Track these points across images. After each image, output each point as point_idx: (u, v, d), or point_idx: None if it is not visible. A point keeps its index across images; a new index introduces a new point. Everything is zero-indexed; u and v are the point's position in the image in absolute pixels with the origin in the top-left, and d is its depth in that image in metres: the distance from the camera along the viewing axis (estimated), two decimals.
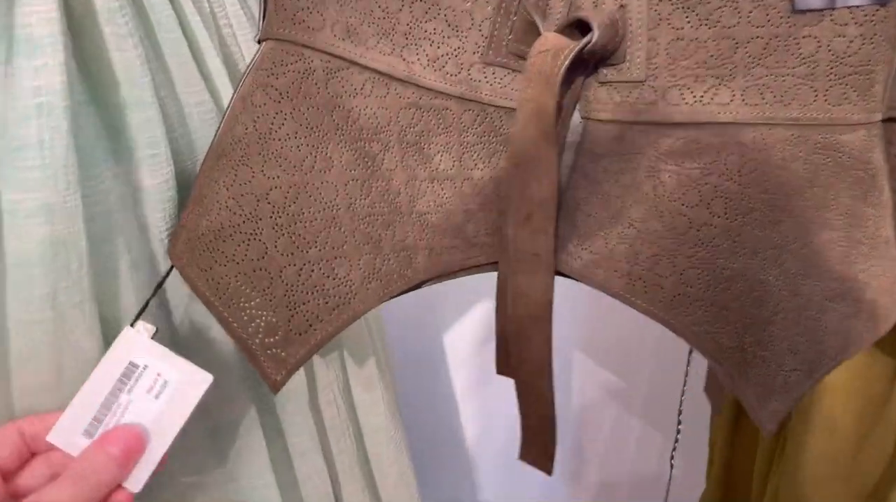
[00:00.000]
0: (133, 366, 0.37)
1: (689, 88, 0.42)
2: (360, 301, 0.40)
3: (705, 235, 0.42)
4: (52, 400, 0.37)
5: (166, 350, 0.37)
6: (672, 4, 0.41)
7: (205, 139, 0.43)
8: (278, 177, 0.39)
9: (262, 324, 0.38)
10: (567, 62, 0.38)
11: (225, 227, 0.38)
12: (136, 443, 0.36)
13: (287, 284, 0.38)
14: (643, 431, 0.97)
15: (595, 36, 0.39)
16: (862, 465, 0.55)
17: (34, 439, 0.36)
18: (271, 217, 0.39)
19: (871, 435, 0.55)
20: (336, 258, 0.39)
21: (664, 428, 0.81)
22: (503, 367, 0.50)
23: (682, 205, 0.43)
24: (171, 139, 0.42)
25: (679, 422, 0.68)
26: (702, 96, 0.42)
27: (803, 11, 0.40)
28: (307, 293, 0.38)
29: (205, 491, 0.46)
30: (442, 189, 0.45)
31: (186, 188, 0.43)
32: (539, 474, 0.48)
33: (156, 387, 0.37)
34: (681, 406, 0.68)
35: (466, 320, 0.92)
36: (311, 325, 0.39)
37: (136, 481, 0.35)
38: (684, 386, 0.68)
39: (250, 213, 0.39)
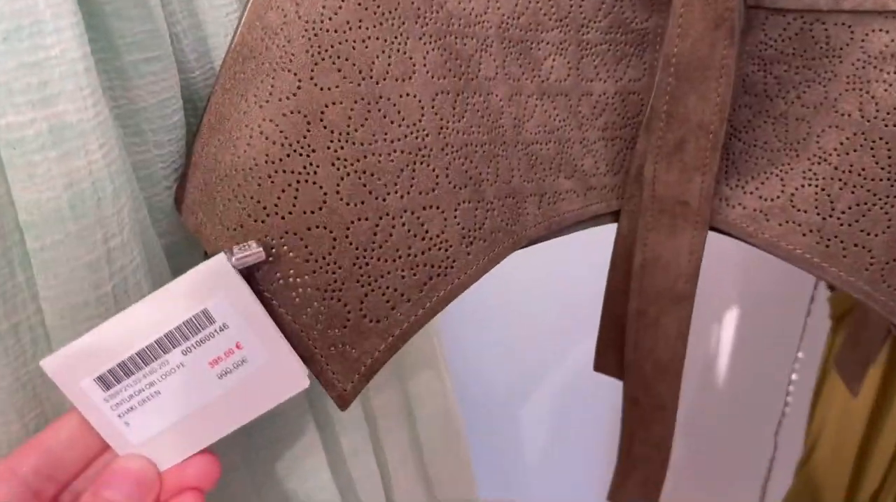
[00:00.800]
0: (207, 317, 0.24)
1: None
2: (461, 269, 0.27)
3: None
4: None
5: (265, 315, 0.25)
6: None
7: (222, 37, 0.30)
8: (338, 87, 0.26)
9: (323, 308, 0.25)
10: None
11: (260, 165, 0.26)
12: (147, 483, 0.24)
13: (357, 248, 0.26)
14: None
15: None
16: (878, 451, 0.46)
17: (37, 474, 0.24)
18: (330, 147, 0.26)
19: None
20: (425, 208, 0.26)
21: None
22: (606, 362, 0.39)
23: None
24: (172, 35, 0.29)
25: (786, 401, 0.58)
26: None
27: None
28: (387, 261, 0.26)
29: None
30: (554, 108, 0.32)
31: (195, 109, 0.30)
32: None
33: (226, 362, 0.25)
34: (789, 385, 0.58)
35: (537, 296, 0.77)
36: (393, 308, 0.26)
37: None
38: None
39: (298, 142, 0.26)
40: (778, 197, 0.32)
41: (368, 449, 0.41)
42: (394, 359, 0.28)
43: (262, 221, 0.25)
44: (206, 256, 0.26)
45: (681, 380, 0.36)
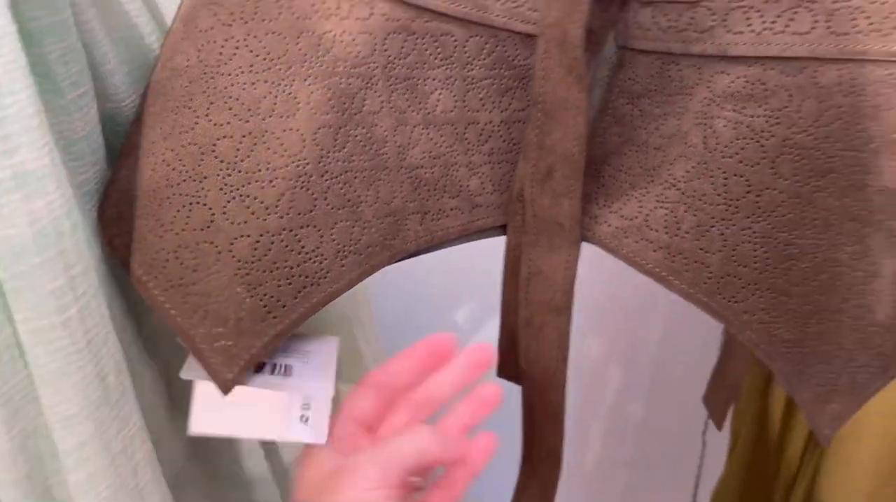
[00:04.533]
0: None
1: (757, 11, 0.33)
2: (333, 280, 0.32)
3: (766, 202, 0.34)
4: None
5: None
6: None
7: (142, 75, 0.34)
8: (228, 123, 0.31)
9: (209, 311, 0.30)
10: None
11: (161, 188, 0.31)
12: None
13: (239, 261, 0.30)
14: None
15: None
16: None
17: (383, 387, 0.35)
18: (219, 175, 0.30)
19: None
20: (302, 227, 0.31)
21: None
22: (507, 369, 0.43)
23: (740, 162, 0.34)
24: (99, 75, 0.34)
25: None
26: (773, 22, 0.32)
27: None
28: (265, 272, 0.31)
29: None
30: (440, 136, 0.36)
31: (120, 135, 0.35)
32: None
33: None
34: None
35: (464, 295, 0.82)
36: (269, 312, 0.31)
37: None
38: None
39: (193, 170, 0.30)
40: (636, 217, 0.36)
41: None
42: None
43: (160, 236, 0.30)
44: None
45: (565, 389, 0.39)
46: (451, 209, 0.37)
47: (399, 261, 0.35)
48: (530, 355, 0.39)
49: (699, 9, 0.33)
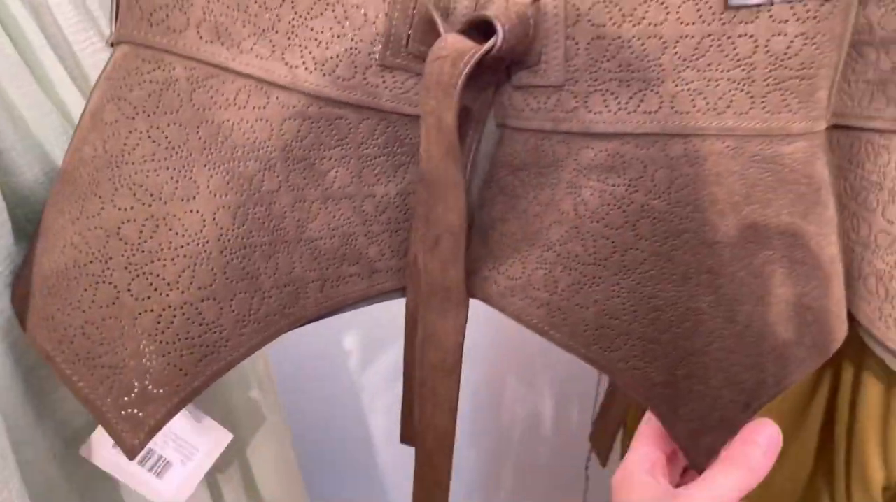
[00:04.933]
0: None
1: (612, 94, 0.37)
2: (233, 348, 0.35)
3: (631, 260, 0.38)
4: None
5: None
6: None
7: (43, 152, 0.37)
8: (132, 207, 0.33)
9: (115, 382, 0.33)
10: (467, 69, 0.33)
11: (69, 268, 0.33)
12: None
13: (143, 334, 0.33)
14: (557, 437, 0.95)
15: (499, 39, 0.34)
16: (777, 484, 0.52)
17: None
18: (124, 255, 0.33)
19: (787, 451, 0.52)
20: (203, 300, 0.34)
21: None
22: (408, 432, 0.45)
23: (606, 226, 0.38)
24: (24, 164, 0.36)
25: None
26: (627, 103, 0.37)
27: (738, 7, 0.35)
28: (168, 343, 0.33)
29: None
30: (338, 209, 0.39)
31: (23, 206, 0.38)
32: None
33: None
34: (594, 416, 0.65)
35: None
36: (172, 380, 0.33)
37: None
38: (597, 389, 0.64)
39: (98, 252, 0.33)
40: (520, 277, 0.40)
41: None
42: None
43: (68, 314, 0.33)
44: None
45: (452, 452, 0.41)
46: (351, 275, 0.40)
47: (301, 326, 0.38)
48: (424, 417, 0.42)
49: (563, 92, 0.38)
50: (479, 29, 0.35)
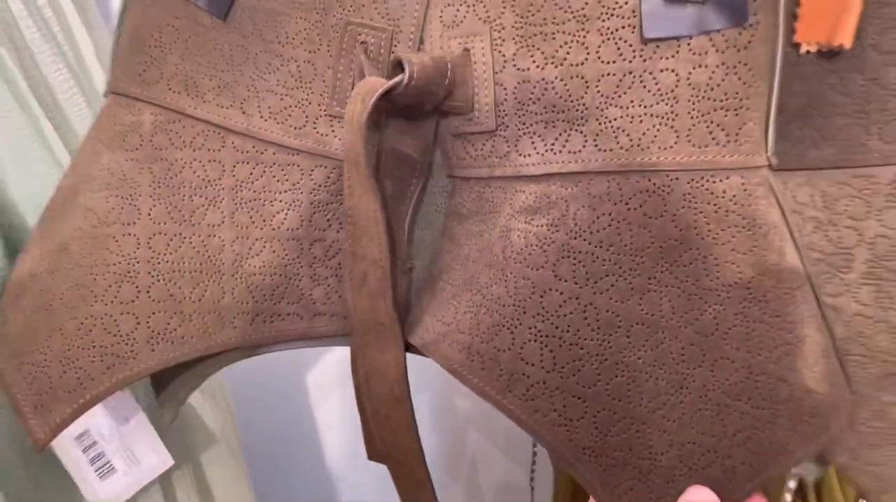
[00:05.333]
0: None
1: (539, 136, 0.37)
2: (141, 361, 0.36)
3: (549, 302, 0.35)
4: None
5: None
6: (516, 44, 0.37)
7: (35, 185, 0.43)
8: (80, 228, 0.37)
9: (35, 379, 0.35)
10: (371, 102, 0.35)
11: (26, 277, 0.37)
12: None
13: (65, 339, 0.36)
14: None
15: (406, 76, 0.35)
16: None
17: None
18: (67, 268, 0.37)
19: None
20: (123, 314, 0.36)
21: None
22: (373, 452, 0.44)
23: (527, 266, 0.36)
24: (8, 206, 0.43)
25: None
26: (553, 144, 0.36)
27: (655, 40, 0.34)
28: (83, 349, 0.36)
29: None
30: (283, 249, 0.41)
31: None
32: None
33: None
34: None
35: None
36: (80, 383, 0.35)
37: None
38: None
39: (49, 264, 0.37)
40: (451, 322, 0.38)
41: None
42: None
43: (15, 317, 0.37)
44: None
45: (425, 463, 0.40)
46: (289, 314, 0.41)
47: (248, 356, 0.39)
48: (386, 441, 0.41)
49: (496, 138, 0.38)
50: (399, 70, 0.37)
